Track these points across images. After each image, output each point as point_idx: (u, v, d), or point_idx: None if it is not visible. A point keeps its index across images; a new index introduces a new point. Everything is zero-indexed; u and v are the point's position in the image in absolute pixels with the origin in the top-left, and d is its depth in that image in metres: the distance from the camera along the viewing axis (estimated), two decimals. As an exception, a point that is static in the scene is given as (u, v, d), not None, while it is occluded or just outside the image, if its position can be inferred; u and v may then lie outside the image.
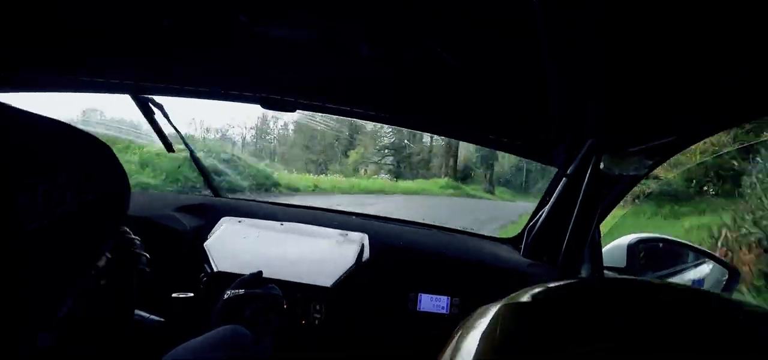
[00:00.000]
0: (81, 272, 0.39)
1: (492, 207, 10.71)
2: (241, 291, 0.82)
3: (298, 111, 1.21)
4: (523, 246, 1.35)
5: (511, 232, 1.51)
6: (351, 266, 1.14)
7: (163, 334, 0.84)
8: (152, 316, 0.87)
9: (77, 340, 0.50)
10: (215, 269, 1.06)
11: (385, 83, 1.03)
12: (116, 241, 0.58)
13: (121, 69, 1.06)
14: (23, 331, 0.34)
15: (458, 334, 0.32)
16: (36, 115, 0.37)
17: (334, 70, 0.98)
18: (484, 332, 0.29)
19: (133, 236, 0.63)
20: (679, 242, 1.58)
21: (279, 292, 0.87)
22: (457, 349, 0.30)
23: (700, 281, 1.53)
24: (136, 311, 0.85)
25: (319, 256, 1.16)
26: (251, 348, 0.72)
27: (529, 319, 0.30)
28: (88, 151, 0.40)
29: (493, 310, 0.31)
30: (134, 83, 1.12)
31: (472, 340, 0.29)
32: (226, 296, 0.81)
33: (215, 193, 1.54)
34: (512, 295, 0.33)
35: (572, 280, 0.36)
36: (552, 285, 0.34)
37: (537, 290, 0.33)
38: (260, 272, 0.91)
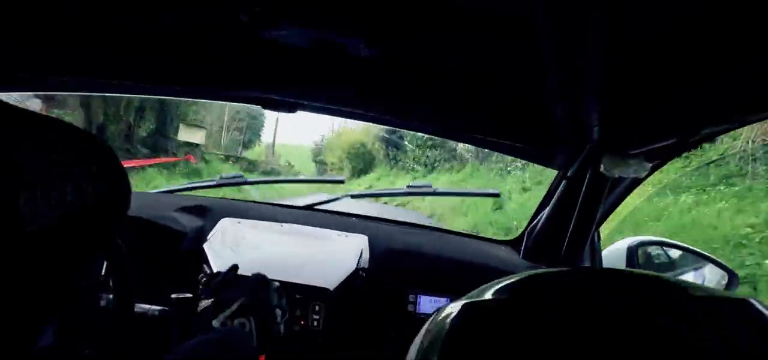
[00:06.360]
0: (77, 273, 0.39)
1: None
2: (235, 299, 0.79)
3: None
4: (522, 248, 1.35)
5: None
6: (351, 268, 1.13)
7: (167, 326, 0.84)
8: (155, 307, 0.87)
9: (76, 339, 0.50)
10: (214, 270, 1.06)
11: (385, 84, 1.03)
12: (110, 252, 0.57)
13: (121, 68, 1.07)
14: (23, 332, 0.34)
15: (422, 334, 0.32)
16: (38, 114, 0.36)
17: (334, 71, 0.98)
18: (444, 332, 0.29)
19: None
20: (678, 245, 1.57)
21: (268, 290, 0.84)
22: (419, 351, 0.30)
23: (699, 284, 1.52)
24: (140, 304, 0.85)
25: (318, 257, 1.16)
26: (250, 350, 0.71)
27: (489, 318, 0.30)
28: (90, 151, 0.39)
29: (455, 309, 0.31)
30: (135, 83, 1.12)
31: (433, 340, 0.29)
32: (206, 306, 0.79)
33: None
34: (473, 292, 0.33)
35: (538, 272, 0.36)
36: (514, 279, 0.34)
37: (499, 286, 0.33)
38: (236, 266, 0.87)
